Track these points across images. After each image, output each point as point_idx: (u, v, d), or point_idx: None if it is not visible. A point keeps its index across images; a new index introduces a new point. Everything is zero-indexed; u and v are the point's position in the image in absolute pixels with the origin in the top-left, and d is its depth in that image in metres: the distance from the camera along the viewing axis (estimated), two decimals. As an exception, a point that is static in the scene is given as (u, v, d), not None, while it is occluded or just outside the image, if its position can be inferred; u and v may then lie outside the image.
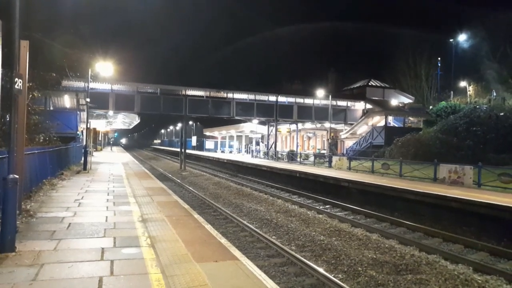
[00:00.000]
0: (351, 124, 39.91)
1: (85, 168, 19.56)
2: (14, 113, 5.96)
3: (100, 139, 57.05)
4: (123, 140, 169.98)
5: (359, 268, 7.63)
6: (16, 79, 5.91)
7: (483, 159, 18.33)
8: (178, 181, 23.79)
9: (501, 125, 27.80)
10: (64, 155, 19.01)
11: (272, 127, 39.94)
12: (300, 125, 43.26)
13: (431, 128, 32.26)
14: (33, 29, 12.34)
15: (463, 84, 44.55)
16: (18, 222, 6.67)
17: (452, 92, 44.13)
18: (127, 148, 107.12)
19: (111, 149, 65.03)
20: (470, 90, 42.84)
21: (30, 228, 7.04)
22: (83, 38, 17.95)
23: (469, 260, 8.13)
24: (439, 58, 46.95)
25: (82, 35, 17.68)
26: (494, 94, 38.39)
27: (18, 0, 5.75)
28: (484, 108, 31.73)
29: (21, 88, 6.13)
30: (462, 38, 47.66)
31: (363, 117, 38.91)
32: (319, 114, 38.66)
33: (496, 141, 26.38)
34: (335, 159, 25.58)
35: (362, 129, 39.18)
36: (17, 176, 5.63)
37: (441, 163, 17.01)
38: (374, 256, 8.25)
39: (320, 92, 33.75)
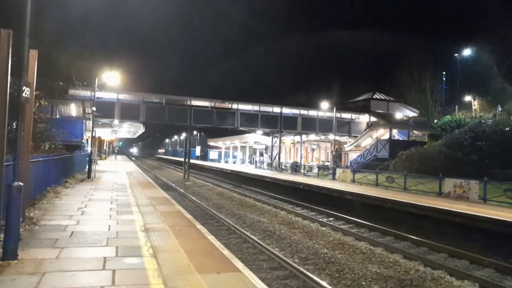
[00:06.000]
0: (355, 137, 39.83)
1: (89, 177, 19.61)
2: (20, 121, 6.02)
3: (105, 147, 57.29)
4: (134, 150, 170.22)
5: (363, 282, 7.54)
6: (24, 87, 5.97)
7: (488, 174, 18.12)
8: (182, 191, 23.76)
9: (507, 140, 27.58)
10: (69, 163, 19.07)
11: (276, 138, 39.97)
12: (304, 137, 43.21)
13: (436, 142, 32.08)
14: (42, 38, 12.50)
15: (468, 98, 44.38)
16: (21, 230, 6.65)
17: (457, 106, 43.94)
18: (133, 157, 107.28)
19: (115, 158, 65.21)
20: (475, 104, 42.66)
21: (33, 235, 7.03)
22: (91, 48, 18.23)
23: (475, 277, 8.02)
24: (443, 72, 46.92)
25: (90, 46, 17.95)
26: (500, 108, 38.21)
27: (29, 11, 5.86)
28: (489, 122, 31.52)
29: (29, 96, 6.19)
30: (467, 52, 47.64)
31: (367, 130, 38.85)
32: (323, 126, 38.64)
33: (501, 156, 26.15)
34: (339, 171, 25.47)
35: (367, 141, 39.09)
36: (22, 184, 5.63)
37: (446, 177, 16.89)
38: (378, 271, 8.15)
39: (325, 104, 33.81)
